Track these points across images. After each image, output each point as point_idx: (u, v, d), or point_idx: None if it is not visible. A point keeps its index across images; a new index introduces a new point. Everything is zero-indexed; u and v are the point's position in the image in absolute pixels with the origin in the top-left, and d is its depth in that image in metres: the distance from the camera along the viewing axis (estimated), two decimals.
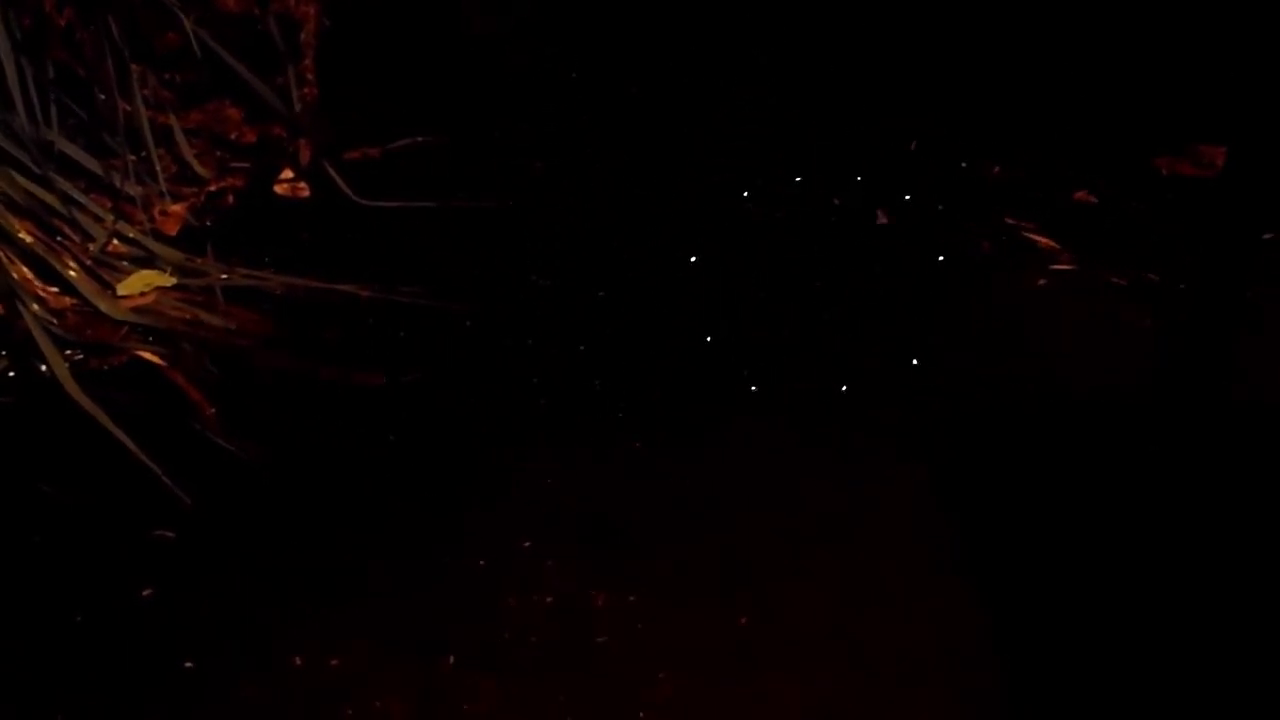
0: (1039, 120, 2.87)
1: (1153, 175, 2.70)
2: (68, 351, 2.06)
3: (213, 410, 1.99)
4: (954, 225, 2.53)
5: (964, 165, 2.72)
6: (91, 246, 2.24)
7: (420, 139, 2.74)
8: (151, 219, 2.39)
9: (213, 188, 2.53)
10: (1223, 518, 1.84)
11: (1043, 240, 2.50)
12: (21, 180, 2.20)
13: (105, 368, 2.06)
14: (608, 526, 1.81)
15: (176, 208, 2.45)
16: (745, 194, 2.61)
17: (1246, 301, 2.11)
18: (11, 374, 2.02)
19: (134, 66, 2.43)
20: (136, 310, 2.16)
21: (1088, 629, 1.66)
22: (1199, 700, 1.58)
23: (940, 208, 2.58)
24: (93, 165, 2.38)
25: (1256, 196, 1.92)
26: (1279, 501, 1.87)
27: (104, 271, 2.21)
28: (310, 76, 2.70)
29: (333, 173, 2.54)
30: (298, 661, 1.59)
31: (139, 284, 2.21)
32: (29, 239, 2.16)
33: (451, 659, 1.60)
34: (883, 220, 2.55)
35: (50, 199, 2.22)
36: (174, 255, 2.28)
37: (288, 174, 2.60)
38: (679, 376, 2.12)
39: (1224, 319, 2.04)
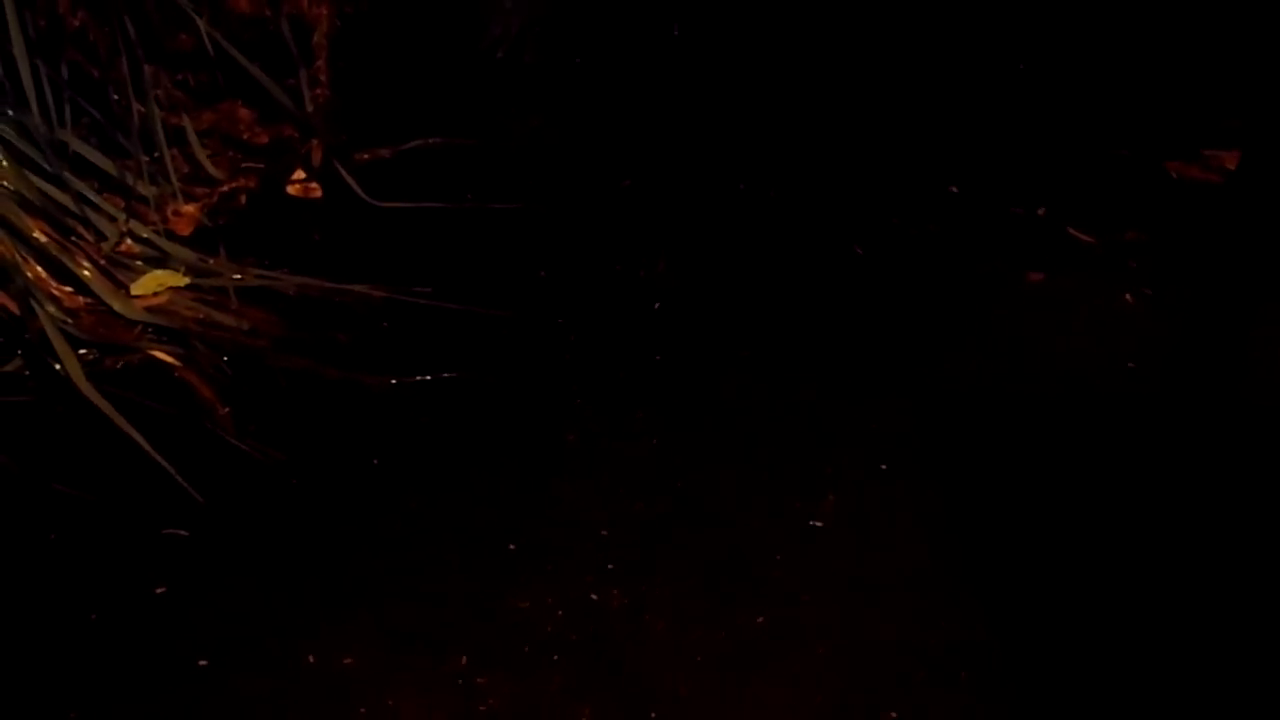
0: (1050, 123, 2.87)
1: (1163, 179, 2.70)
2: (81, 351, 2.06)
3: (226, 410, 2.00)
4: (963, 227, 2.53)
5: (972, 168, 2.72)
6: (105, 246, 2.25)
7: (432, 140, 2.74)
8: (164, 219, 2.40)
9: (225, 188, 2.54)
10: (1232, 515, 1.84)
11: (1053, 242, 2.50)
12: (36, 180, 2.21)
13: (119, 367, 2.07)
14: (620, 524, 1.81)
15: (189, 208, 2.46)
16: (757, 198, 2.61)
17: (1256, 303, 2.11)
18: (26, 373, 2.02)
19: (147, 67, 2.44)
20: (150, 310, 2.17)
21: (1096, 624, 1.66)
22: (1208, 697, 1.58)
23: (950, 211, 2.59)
24: (106, 165, 2.39)
25: (1268, 200, 1.93)
26: None
27: (117, 271, 2.22)
28: (322, 78, 2.70)
29: (345, 173, 2.54)
30: (311, 659, 1.59)
31: (152, 284, 2.21)
32: (43, 239, 2.17)
33: (464, 658, 1.60)
34: (891, 221, 2.55)
35: (64, 199, 2.23)
36: (187, 255, 2.29)
37: (300, 175, 2.60)
38: (693, 376, 2.12)
39: (1233, 320, 2.04)
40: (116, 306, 2.15)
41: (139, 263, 2.26)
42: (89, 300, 2.16)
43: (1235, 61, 2.87)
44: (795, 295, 2.34)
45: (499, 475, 1.91)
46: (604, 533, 1.80)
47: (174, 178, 2.46)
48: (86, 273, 2.18)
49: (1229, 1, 2.91)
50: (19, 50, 2.24)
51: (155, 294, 2.20)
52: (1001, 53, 3.07)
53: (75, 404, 1.94)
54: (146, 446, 1.88)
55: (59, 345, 2.01)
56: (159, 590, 1.69)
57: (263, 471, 1.89)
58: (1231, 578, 1.75)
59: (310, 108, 2.64)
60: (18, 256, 2.09)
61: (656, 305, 2.29)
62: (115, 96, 2.43)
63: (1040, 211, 2.58)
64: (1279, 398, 2.08)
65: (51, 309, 2.08)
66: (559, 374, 2.12)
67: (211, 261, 2.28)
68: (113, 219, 2.29)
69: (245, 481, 1.87)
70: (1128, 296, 2.34)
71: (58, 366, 2.00)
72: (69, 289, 2.16)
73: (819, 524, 1.82)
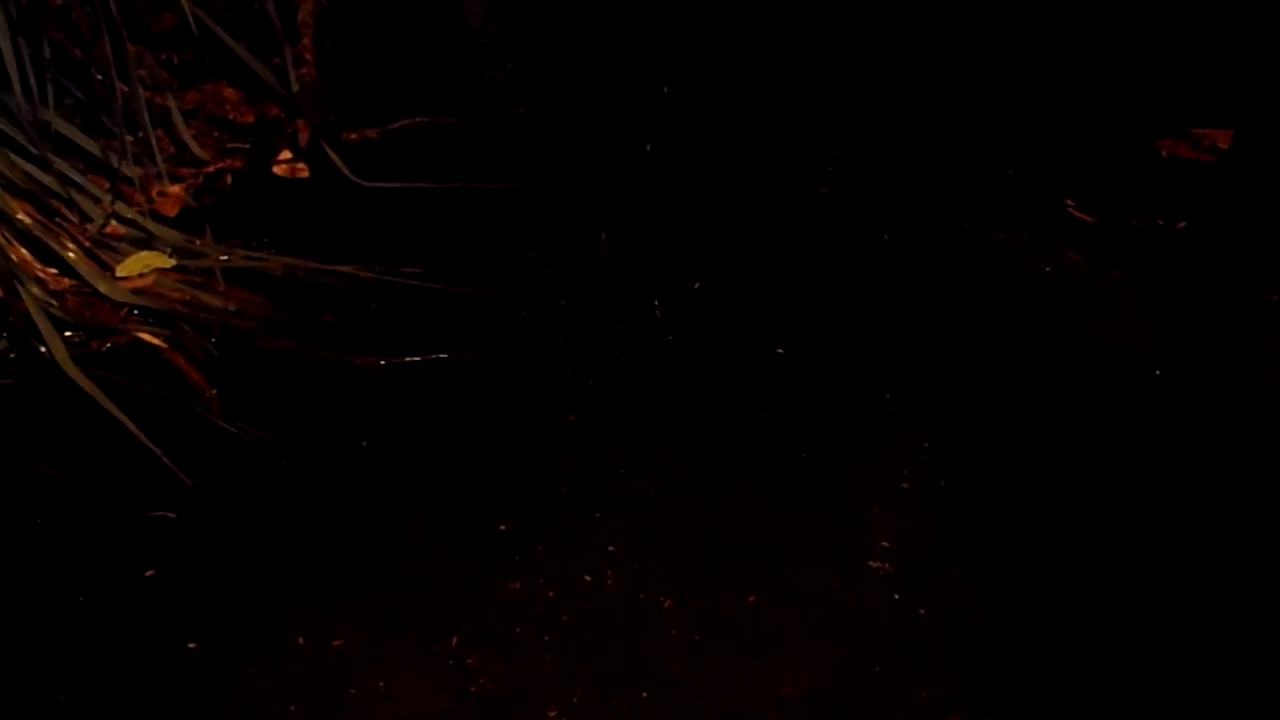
0: (1040, 104, 2.86)
1: (1153, 158, 2.70)
2: (67, 333, 2.05)
3: (213, 391, 1.99)
4: (955, 211, 2.53)
5: (963, 149, 2.72)
6: (90, 228, 2.24)
7: (420, 119, 2.73)
8: (150, 200, 2.38)
9: (211, 169, 2.52)
10: (1233, 495, 1.84)
11: (1044, 223, 2.50)
12: (19, 161, 2.19)
13: (105, 349, 2.06)
14: (612, 505, 1.81)
15: (175, 189, 2.44)
16: (755, 183, 2.61)
17: (1253, 286, 2.11)
18: (11, 355, 2.01)
19: (131, 47, 2.42)
20: (136, 292, 2.16)
21: (1093, 612, 1.66)
22: (1206, 687, 1.58)
23: (942, 194, 2.58)
24: (90, 146, 2.37)
25: (1263, 180, 1.92)
26: None
27: (103, 253, 2.20)
28: (308, 57, 2.69)
29: (331, 153, 2.53)
30: (300, 641, 1.59)
31: (138, 265, 2.20)
32: (27, 220, 2.15)
33: (455, 639, 1.60)
34: (887, 207, 2.55)
35: (48, 180, 2.21)
36: (173, 236, 2.28)
37: (286, 155, 2.59)
38: (688, 356, 2.11)
39: (1229, 302, 2.04)
40: (102, 288, 2.14)
41: (124, 244, 2.25)
42: (74, 282, 2.15)
43: (1226, 39, 2.87)
44: (789, 275, 2.34)
45: (489, 456, 1.90)
46: (596, 514, 1.79)
47: (159, 158, 2.44)
48: (71, 254, 2.16)
49: None
50: (1, 30, 2.22)
51: (141, 275, 2.19)
52: (990, 32, 3.06)
53: (61, 387, 1.93)
54: (134, 429, 1.87)
55: (44, 328, 1.99)
56: (148, 573, 1.68)
57: (251, 453, 1.88)
58: (1237, 567, 1.75)
59: (296, 87, 2.63)
60: (2, 238, 2.07)
61: (649, 286, 2.28)
62: (99, 76, 2.41)
63: (1027, 210, 2.57)
64: (1274, 375, 2.08)
65: (36, 291, 2.06)
66: (549, 355, 2.11)
67: (198, 242, 2.27)
68: (97, 200, 2.28)
69: (233, 464, 1.86)
70: (1126, 275, 2.33)
71: (43, 349, 1.99)
72: (54, 271, 2.15)
73: (818, 507, 1.82)
